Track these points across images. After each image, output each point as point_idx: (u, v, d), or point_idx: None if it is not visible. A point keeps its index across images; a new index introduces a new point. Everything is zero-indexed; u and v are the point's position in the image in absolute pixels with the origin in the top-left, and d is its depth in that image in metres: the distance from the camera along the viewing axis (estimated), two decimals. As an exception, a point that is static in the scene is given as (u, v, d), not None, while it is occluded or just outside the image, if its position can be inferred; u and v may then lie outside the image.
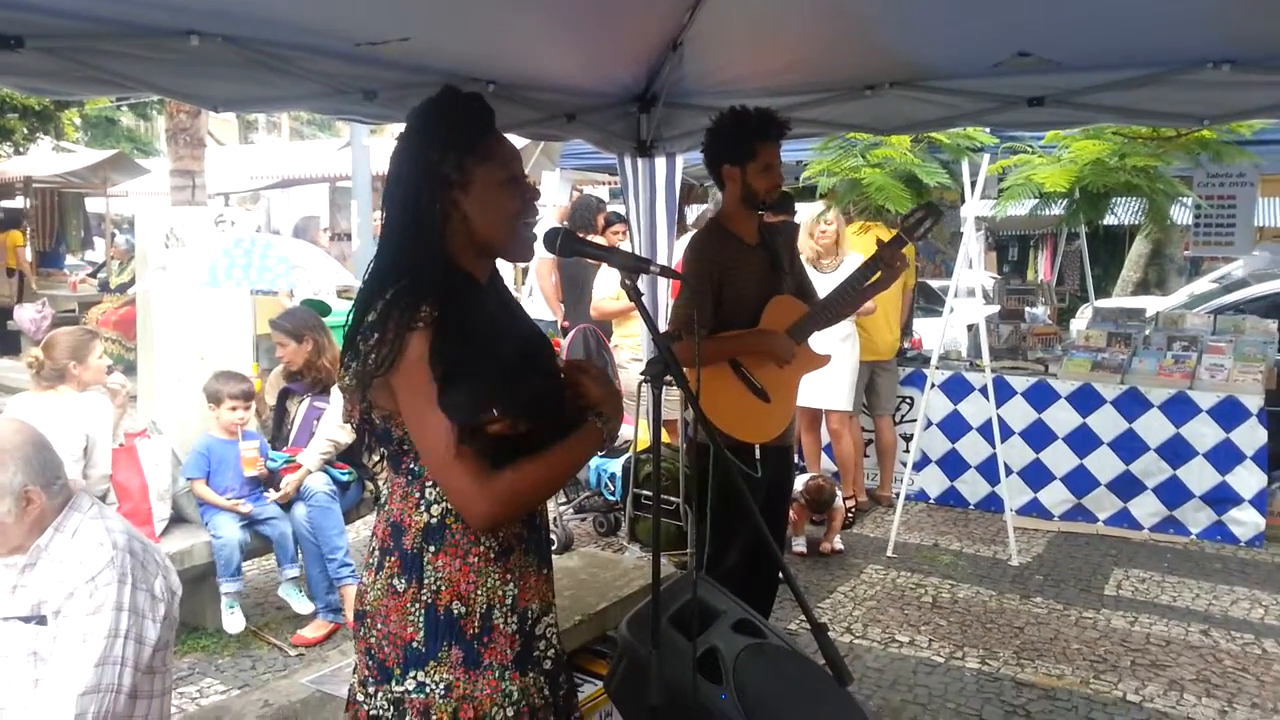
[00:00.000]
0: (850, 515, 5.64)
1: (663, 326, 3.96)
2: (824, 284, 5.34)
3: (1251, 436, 5.29)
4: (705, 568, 3.33)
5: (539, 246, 1.92)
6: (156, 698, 1.79)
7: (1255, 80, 3.24)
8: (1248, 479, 5.32)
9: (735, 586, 2.71)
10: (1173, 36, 3.17)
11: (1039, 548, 5.37)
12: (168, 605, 1.77)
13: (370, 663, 1.65)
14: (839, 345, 5.19)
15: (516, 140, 6.57)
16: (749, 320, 3.26)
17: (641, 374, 5.13)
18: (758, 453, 3.24)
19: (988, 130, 5.19)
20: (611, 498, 5.36)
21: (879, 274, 3.26)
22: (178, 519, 4.19)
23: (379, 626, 1.63)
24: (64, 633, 1.61)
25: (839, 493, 5.25)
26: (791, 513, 5.11)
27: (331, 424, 4.22)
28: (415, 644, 1.60)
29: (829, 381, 5.39)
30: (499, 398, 1.52)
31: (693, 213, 9.82)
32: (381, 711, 1.63)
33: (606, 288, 5.90)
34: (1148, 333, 6.06)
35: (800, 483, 5.03)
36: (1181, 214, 7.40)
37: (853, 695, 2.47)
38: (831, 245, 5.48)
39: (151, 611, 1.72)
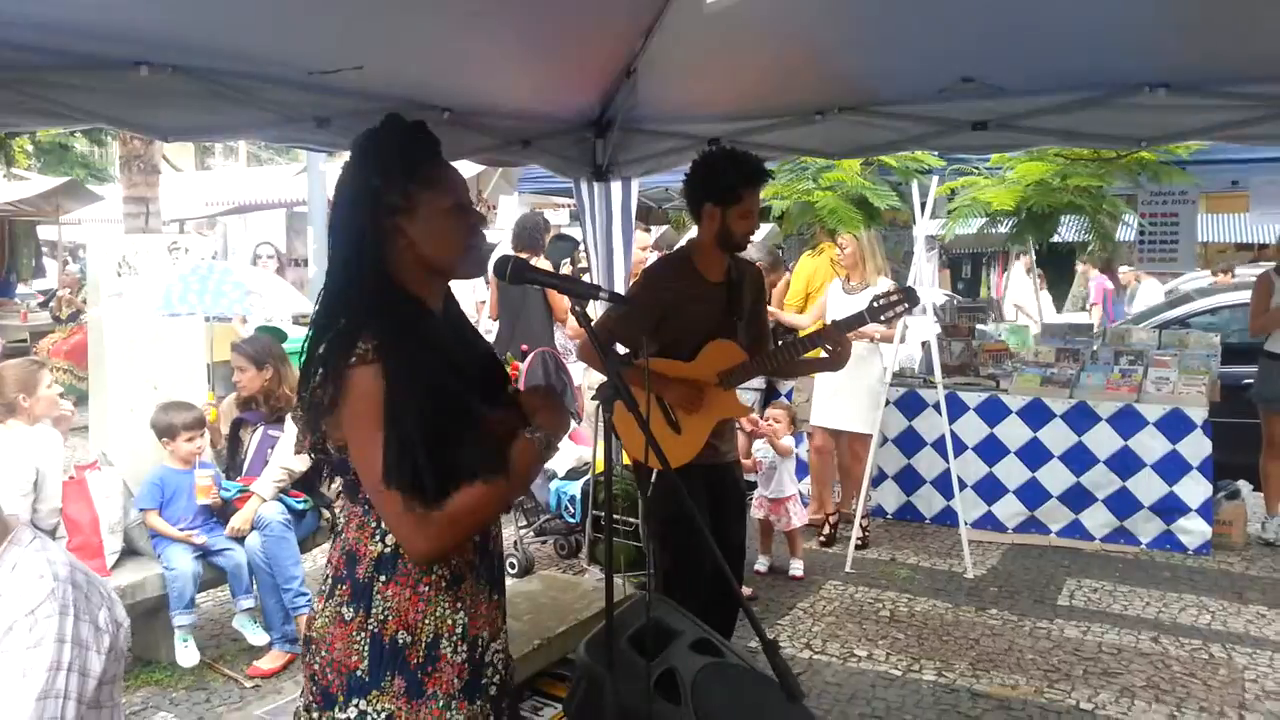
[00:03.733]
0: (866, 533, 5.66)
1: None
2: (849, 306, 5.42)
3: (1197, 447, 5.42)
4: (664, 588, 3.35)
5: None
6: (105, 732, 1.77)
7: (1188, 104, 3.37)
8: (1194, 489, 5.45)
9: (697, 606, 2.73)
10: (1110, 62, 3.29)
11: (993, 560, 5.45)
12: (113, 637, 1.75)
13: (314, 688, 1.65)
14: (853, 366, 5.14)
15: (476, 165, 6.62)
16: (688, 355, 3.31)
17: (593, 398, 5.16)
18: (653, 476, 3.26)
19: (935, 153, 5.30)
20: (572, 520, 5.36)
21: (832, 348, 3.24)
22: (130, 551, 4.13)
23: (323, 653, 1.64)
24: (3, 668, 1.59)
25: (799, 518, 5.19)
26: (759, 532, 5.17)
27: (286, 452, 4.19)
28: (359, 672, 1.61)
29: (849, 403, 5.43)
30: (437, 461, 1.53)
31: (655, 232, 9.87)
32: None
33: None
34: (1095, 348, 6.20)
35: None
36: (1125, 231, 7.58)
37: (811, 711, 2.50)
38: (853, 265, 5.52)
39: (96, 643, 1.69)
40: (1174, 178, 5.47)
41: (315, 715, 1.65)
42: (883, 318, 3.29)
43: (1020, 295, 10.83)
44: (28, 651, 1.59)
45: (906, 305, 3.30)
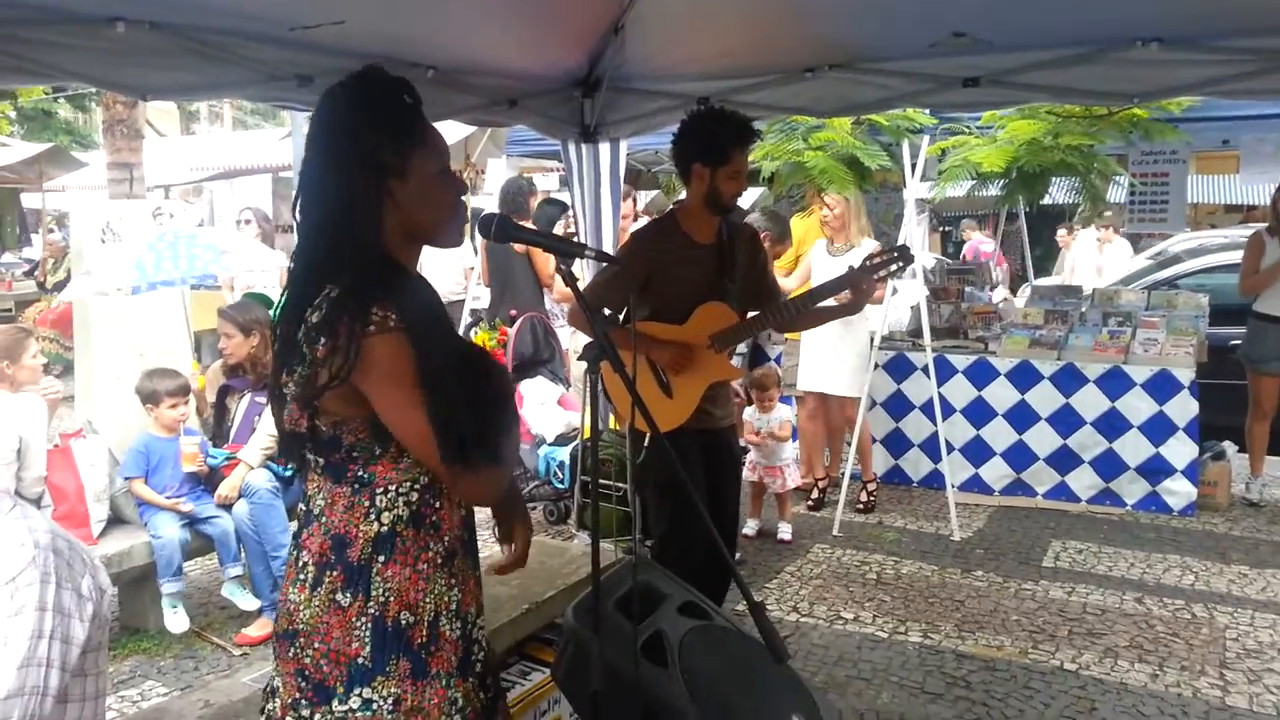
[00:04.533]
0: (873, 497, 5.69)
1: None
2: (834, 268, 5.41)
3: (1184, 408, 5.44)
4: (656, 552, 3.36)
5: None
6: (90, 700, 1.75)
7: (1182, 58, 3.32)
8: (1180, 450, 5.47)
9: (690, 572, 2.74)
10: (1103, 15, 3.23)
11: (980, 523, 5.48)
12: (96, 605, 1.73)
13: (304, 684, 1.57)
14: (841, 329, 5.17)
15: (464, 127, 6.53)
16: (681, 317, 3.28)
17: (579, 358, 5.15)
18: (645, 440, 3.27)
19: (926, 111, 5.25)
20: (560, 485, 5.36)
21: (830, 302, 3.33)
22: (116, 520, 4.11)
23: (316, 644, 1.56)
24: None
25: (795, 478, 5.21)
26: (750, 495, 5.18)
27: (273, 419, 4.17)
28: (360, 660, 1.54)
29: (836, 367, 5.41)
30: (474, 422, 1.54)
31: (644, 198, 9.80)
32: None
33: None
34: (1084, 310, 6.20)
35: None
36: (1116, 192, 7.55)
37: (798, 672, 2.51)
38: (839, 227, 5.48)
39: (78, 611, 1.68)
40: (1166, 135, 5.43)
41: (306, 713, 1.57)
42: (877, 276, 3.26)
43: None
44: (9, 619, 1.57)
45: (901, 263, 3.28)
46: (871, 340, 5.49)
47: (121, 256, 5.24)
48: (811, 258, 5.65)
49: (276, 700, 1.63)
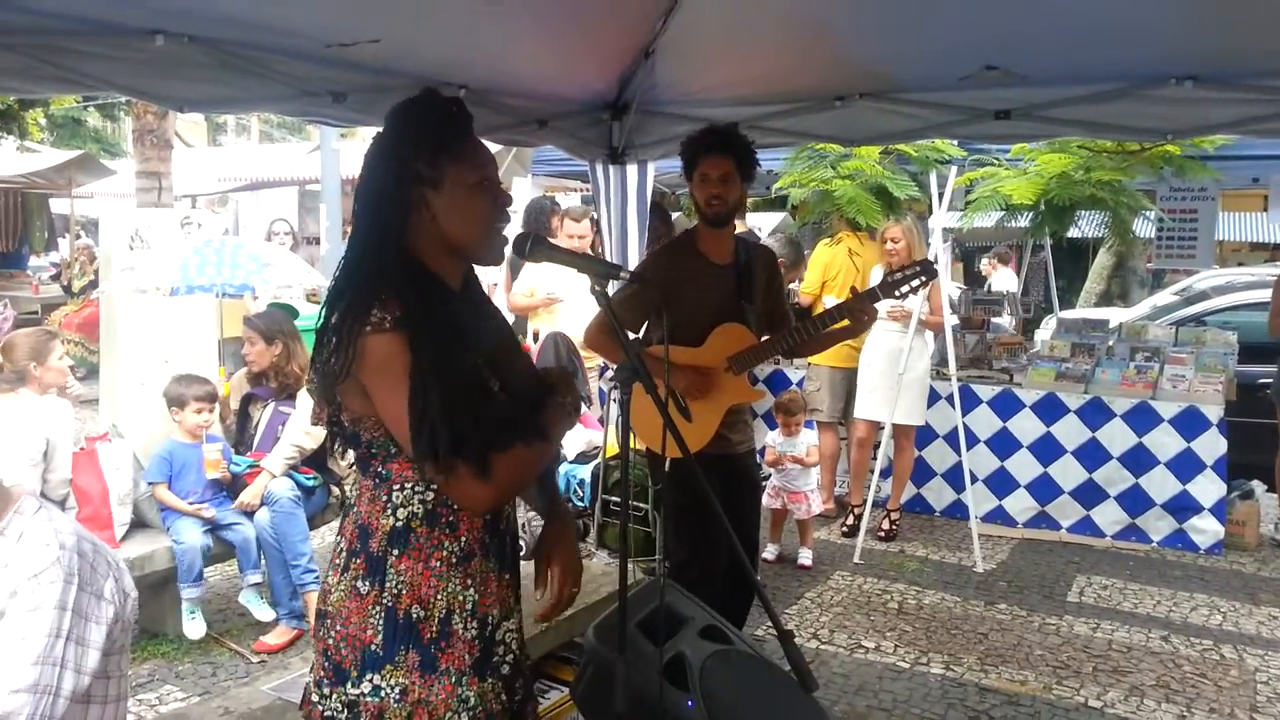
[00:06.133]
0: (895, 526, 5.67)
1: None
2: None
3: (1212, 446, 5.38)
4: (675, 575, 3.33)
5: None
6: (113, 702, 1.76)
7: (1216, 96, 3.31)
8: (1208, 488, 5.40)
9: (711, 595, 2.71)
10: (1137, 52, 3.23)
11: (1003, 554, 5.42)
12: (119, 608, 1.73)
13: (327, 664, 1.63)
14: (902, 358, 5.20)
15: (491, 145, 6.58)
16: (697, 339, 3.26)
17: (609, 378, 5.14)
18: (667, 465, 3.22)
19: (955, 143, 5.25)
20: (580, 504, 5.34)
21: (846, 321, 3.26)
22: (139, 524, 4.13)
23: (338, 628, 1.62)
24: (4, 631, 1.58)
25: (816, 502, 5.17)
26: (770, 521, 5.15)
27: (297, 429, 4.18)
28: (373, 647, 1.60)
29: (899, 396, 5.35)
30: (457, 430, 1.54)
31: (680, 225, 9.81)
32: (336, 713, 1.61)
33: (522, 284, 5.85)
34: (1111, 343, 6.15)
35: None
36: (1144, 227, 7.52)
37: (818, 701, 2.48)
38: (906, 257, 5.44)
39: (97, 614, 1.68)
40: (1198, 172, 5.40)
41: (326, 691, 1.63)
42: (898, 291, 3.23)
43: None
44: (27, 615, 1.58)
45: (924, 277, 3.22)
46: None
47: (165, 257, 5.31)
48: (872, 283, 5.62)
49: (312, 674, 1.69)
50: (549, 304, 5.46)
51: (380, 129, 1.69)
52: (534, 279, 5.54)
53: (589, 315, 5.25)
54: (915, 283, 3.21)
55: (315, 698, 1.65)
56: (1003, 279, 11.48)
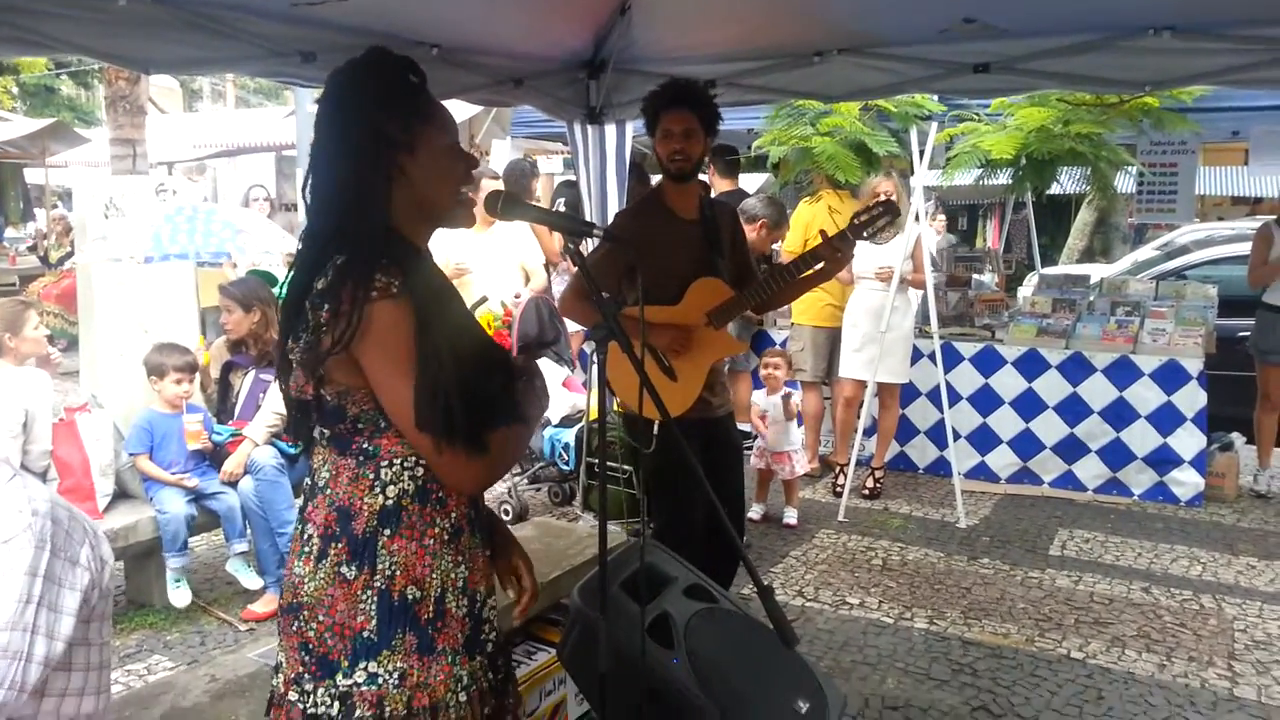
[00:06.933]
0: (879, 484, 5.70)
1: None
2: (877, 256, 5.37)
3: (1192, 399, 5.42)
4: (660, 536, 3.34)
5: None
6: (94, 670, 1.75)
7: (1195, 47, 3.29)
8: (1188, 441, 5.45)
9: (695, 556, 2.72)
10: (1115, 2, 3.20)
11: (986, 510, 5.47)
12: (96, 575, 1.72)
13: (308, 658, 1.56)
14: (886, 317, 5.23)
15: (468, 108, 6.48)
16: (673, 296, 3.23)
17: (585, 337, 5.12)
18: (655, 429, 3.18)
19: (935, 98, 5.21)
20: (565, 468, 5.35)
21: (821, 265, 3.23)
22: (121, 494, 4.11)
23: (320, 618, 1.54)
24: None
25: (798, 466, 5.18)
26: (756, 481, 5.17)
27: (278, 397, 4.15)
28: (366, 634, 1.53)
29: (883, 354, 5.36)
30: (467, 402, 1.51)
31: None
32: (323, 709, 1.54)
33: (439, 254, 5.81)
34: (1092, 299, 6.18)
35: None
36: (1126, 182, 7.51)
37: (803, 657, 2.50)
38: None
39: (72, 580, 1.67)
40: (1177, 124, 5.38)
41: (309, 686, 1.55)
42: (865, 233, 3.21)
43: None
44: None
45: (887, 216, 3.20)
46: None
47: (138, 226, 5.24)
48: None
49: (280, 675, 1.62)
50: (458, 275, 5.33)
51: (331, 91, 1.61)
52: (444, 250, 5.47)
53: (502, 285, 5.24)
54: (881, 222, 3.19)
55: (294, 696, 1.57)
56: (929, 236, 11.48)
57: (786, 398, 5.03)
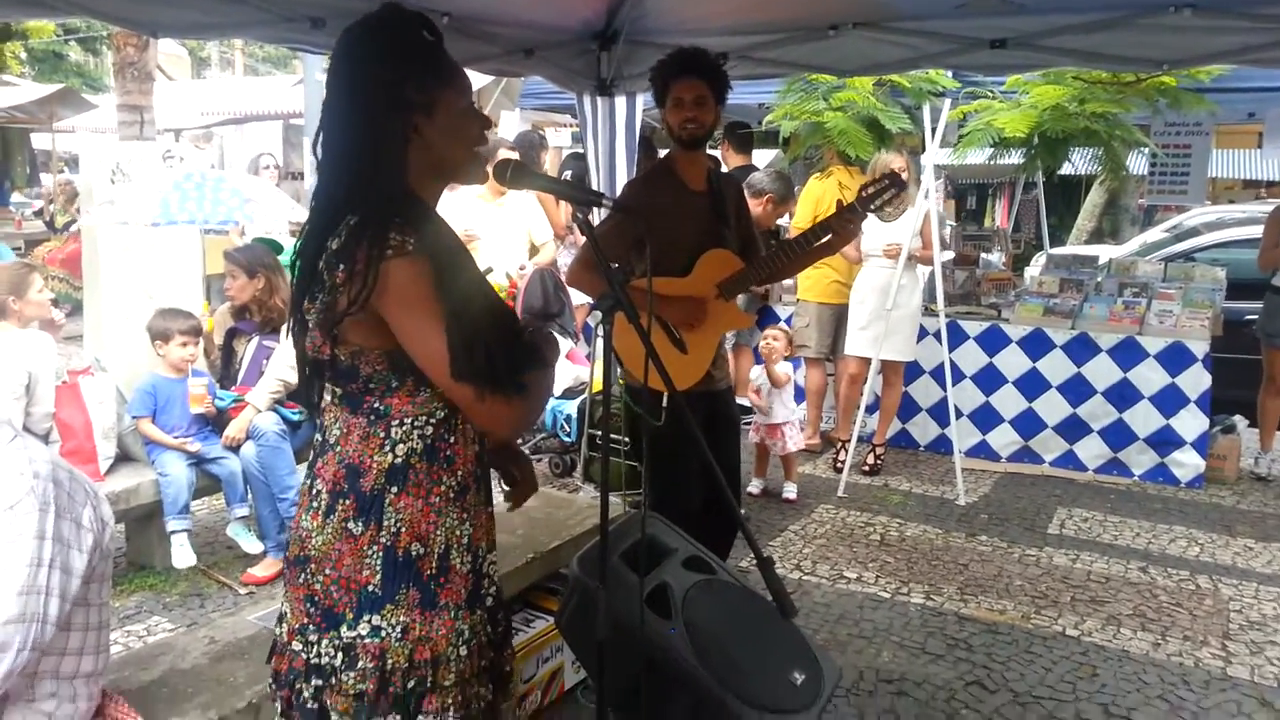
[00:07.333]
0: (880, 460, 5.71)
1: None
2: (886, 233, 5.35)
3: (1196, 381, 5.40)
4: (660, 508, 3.35)
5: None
6: (94, 630, 1.76)
7: (1215, 25, 3.25)
8: (1190, 422, 5.44)
9: (693, 527, 2.73)
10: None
11: (986, 488, 5.47)
12: (98, 535, 1.73)
13: (313, 609, 1.59)
14: (893, 295, 5.22)
15: (478, 78, 6.44)
16: (682, 268, 3.22)
17: (592, 308, 5.10)
18: (664, 401, 3.18)
19: (949, 74, 5.16)
20: (567, 439, 5.36)
21: (828, 237, 3.22)
22: (124, 457, 4.12)
23: (327, 571, 1.58)
24: None
25: (796, 440, 5.18)
26: (755, 456, 5.18)
27: (281, 363, 4.16)
28: (371, 588, 1.56)
29: (890, 332, 5.34)
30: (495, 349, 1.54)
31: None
32: (327, 659, 1.58)
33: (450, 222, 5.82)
34: (1099, 279, 6.14)
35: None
36: (1138, 163, 7.46)
37: (800, 629, 2.51)
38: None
39: (77, 541, 1.68)
40: (1193, 104, 5.33)
41: (313, 637, 1.59)
42: (873, 205, 3.20)
43: None
44: (7, 546, 1.58)
45: (894, 190, 3.17)
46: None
47: (147, 191, 5.22)
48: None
49: (284, 625, 1.65)
50: (467, 242, 5.36)
51: (345, 49, 1.59)
52: (453, 218, 5.47)
53: (509, 257, 5.21)
54: (888, 194, 3.16)
55: (297, 645, 1.61)
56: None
57: (770, 360, 4.99)
